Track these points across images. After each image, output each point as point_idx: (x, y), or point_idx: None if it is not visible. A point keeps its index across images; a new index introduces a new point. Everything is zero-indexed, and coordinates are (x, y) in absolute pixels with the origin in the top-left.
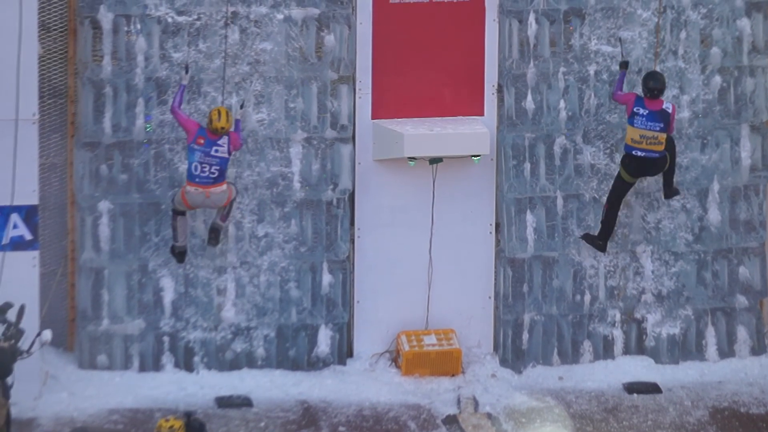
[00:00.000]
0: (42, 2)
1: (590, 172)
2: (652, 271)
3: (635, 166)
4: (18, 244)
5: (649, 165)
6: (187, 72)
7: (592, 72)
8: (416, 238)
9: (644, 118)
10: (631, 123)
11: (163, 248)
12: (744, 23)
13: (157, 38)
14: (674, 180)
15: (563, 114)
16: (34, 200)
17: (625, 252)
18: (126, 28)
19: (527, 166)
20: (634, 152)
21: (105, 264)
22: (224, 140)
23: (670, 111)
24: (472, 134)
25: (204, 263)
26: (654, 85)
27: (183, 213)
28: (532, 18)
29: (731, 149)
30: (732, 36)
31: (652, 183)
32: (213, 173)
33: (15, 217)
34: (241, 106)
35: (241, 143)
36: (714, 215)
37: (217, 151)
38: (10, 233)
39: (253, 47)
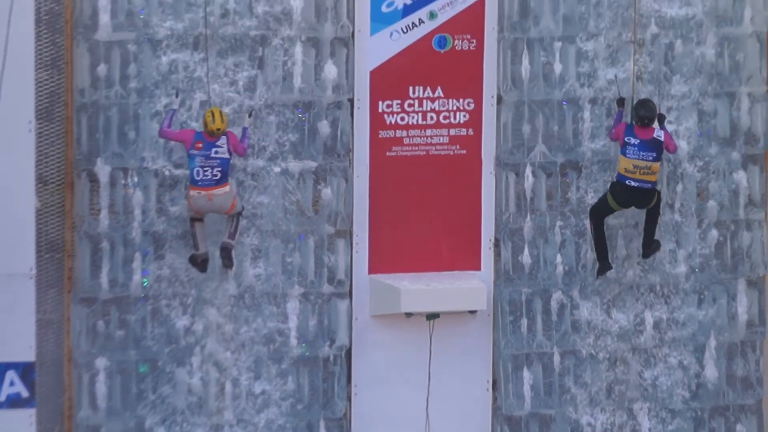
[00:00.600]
0: (39, 155)
1: (587, 327)
2: (649, 429)
3: (626, 196)
4: (15, 402)
5: (640, 196)
6: (177, 96)
7: (588, 226)
8: (413, 394)
9: (636, 148)
10: (624, 153)
11: (160, 405)
12: (740, 176)
13: (154, 191)
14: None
15: (560, 269)
16: (30, 357)
17: (622, 409)
18: (123, 182)
19: (524, 321)
20: (627, 182)
21: (102, 422)
22: (223, 140)
23: (662, 138)
24: (469, 289)
25: (201, 421)
26: (645, 113)
27: (200, 219)
28: (528, 171)
29: (728, 304)
30: (728, 189)
31: (649, 339)
32: (215, 175)
33: (11, 374)
34: (249, 115)
35: (245, 149)
36: (711, 372)
37: (216, 152)
38: (7, 390)
39: (250, 201)
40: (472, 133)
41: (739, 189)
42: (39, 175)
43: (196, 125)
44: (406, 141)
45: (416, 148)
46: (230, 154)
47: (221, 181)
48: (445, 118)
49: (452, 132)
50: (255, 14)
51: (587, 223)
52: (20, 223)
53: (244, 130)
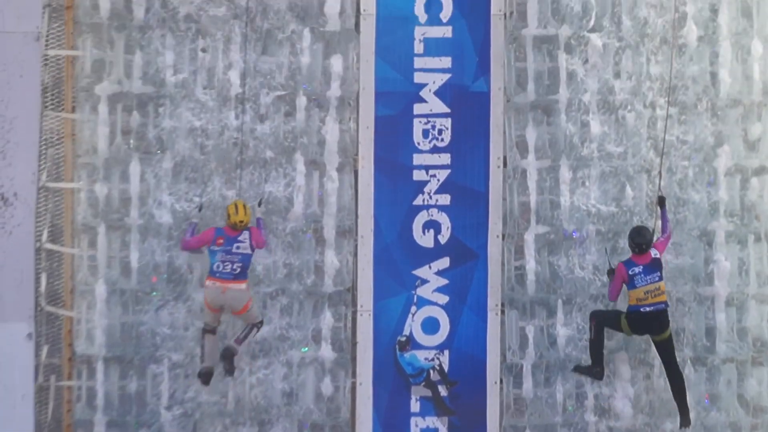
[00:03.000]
0: None
1: None
2: None
3: (641, 323)
4: None
5: (655, 319)
6: (200, 210)
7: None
8: None
9: (642, 275)
10: (633, 287)
11: None
12: None
13: None
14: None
15: None
16: None
17: None
18: None
19: None
20: (642, 309)
21: None
22: (245, 236)
23: (659, 255)
24: None
25: None
26: (641, 240)
27: (212, 331)
28: None
29: None
30: None
31: None
32: (235, 269)
33: None
34: (260, 204)
35: (265, 240)
36: None
37: (238, 247)
38: None
39: None
40: None
41: None
42: None
43: None
44: None
45: None
46: (253, 250)
47: (240, 277)
48: None
49: None
50: None
51: None
52: None
53: (258, 221)
